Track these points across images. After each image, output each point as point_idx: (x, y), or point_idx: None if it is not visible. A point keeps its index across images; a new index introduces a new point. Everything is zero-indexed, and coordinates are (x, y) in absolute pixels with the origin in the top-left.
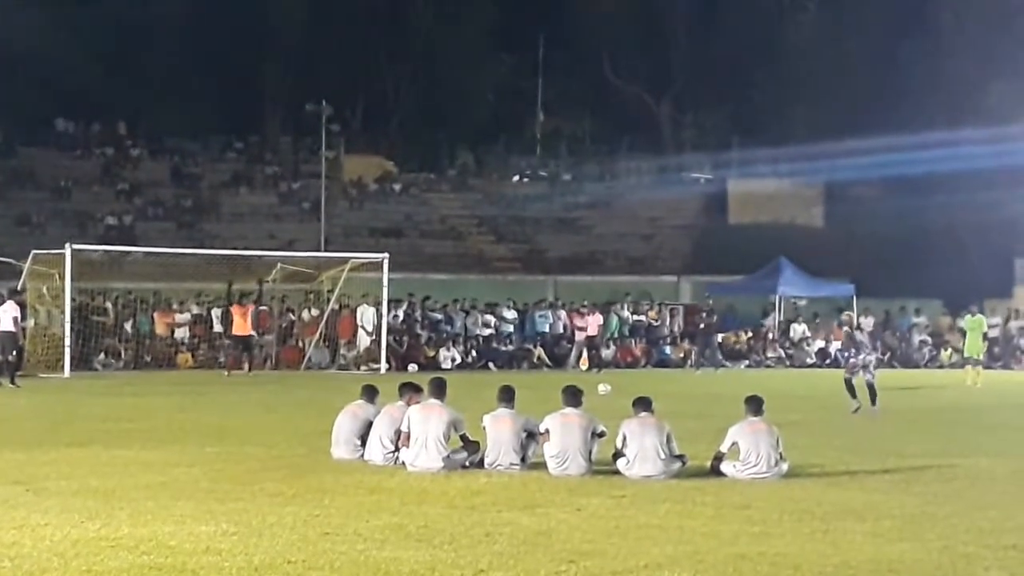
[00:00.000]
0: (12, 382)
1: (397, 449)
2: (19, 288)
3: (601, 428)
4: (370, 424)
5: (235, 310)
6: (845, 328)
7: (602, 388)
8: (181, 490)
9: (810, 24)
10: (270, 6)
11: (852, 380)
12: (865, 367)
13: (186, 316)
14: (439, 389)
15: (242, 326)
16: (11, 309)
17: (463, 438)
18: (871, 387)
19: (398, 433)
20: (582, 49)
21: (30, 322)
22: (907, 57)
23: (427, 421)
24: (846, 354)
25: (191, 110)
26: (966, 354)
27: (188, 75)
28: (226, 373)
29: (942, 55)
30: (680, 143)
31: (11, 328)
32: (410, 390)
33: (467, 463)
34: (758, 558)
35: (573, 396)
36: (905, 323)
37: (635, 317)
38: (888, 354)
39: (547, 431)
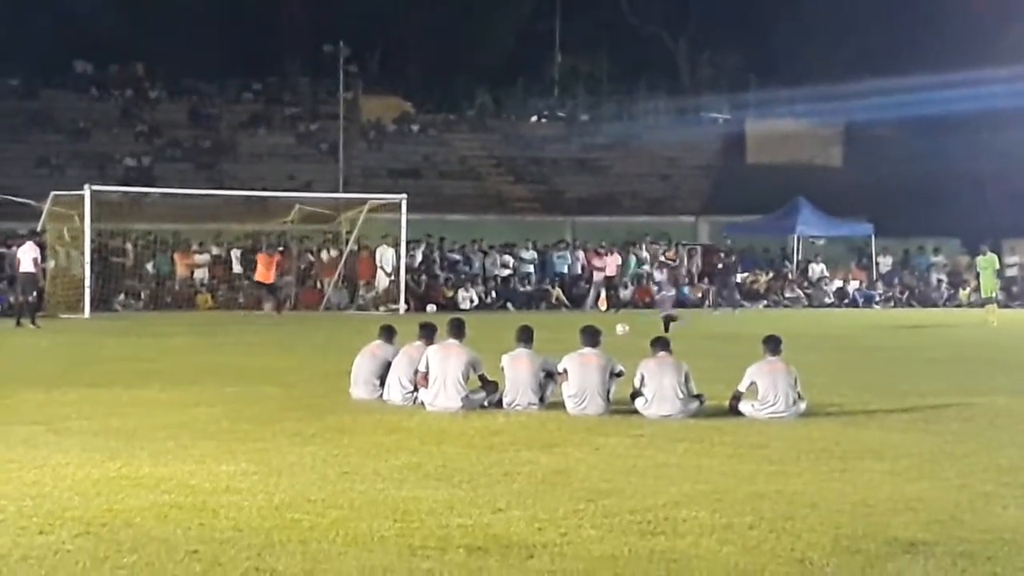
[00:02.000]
0: (33, 323)
1: (416, 389)
2: (39, 229)
3: (619, 368)
4: (389, 364)
5: (260, 259)
6: (655, 267)
7: (620, 328)
8: (201, 430)
9: None
10: None
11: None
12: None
13: (205, 257)
14: (458, 329)
15: (265, 275)
16: (31, 250)
17: (482, 378)
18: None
19: (417, 374)
20: None
21: (50, 263)
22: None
23: (446, 361)
24: (658, 291)
25: (209, 51)
26: (983, 294)
27: (206, 16)
28: (242, 313)
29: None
30: (698, 83)
31: (31, 269)
32: (429, 330)
33: (485, 403)
34: (776, 497)
35: (591, 336)
36: (923, 262)
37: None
38: (906, 293)
39: (565, 371)
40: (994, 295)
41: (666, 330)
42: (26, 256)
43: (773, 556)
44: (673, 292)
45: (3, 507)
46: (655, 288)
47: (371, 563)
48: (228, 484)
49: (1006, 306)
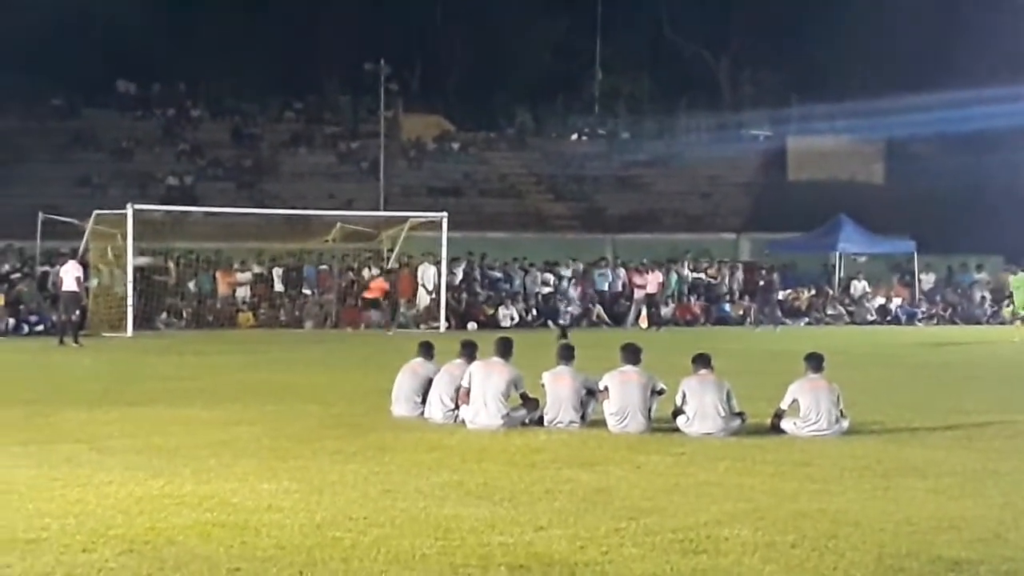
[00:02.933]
0: (76, 341)
1: (457, 407)
2: (81, 249)
3: (660, 386)
4: (430, 382)
5: (375, 284)
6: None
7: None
8: (243, 448)
9: None
10: None
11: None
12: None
13: (247, 275)
14: (504, 348)
15: (376, 292)
16: (73, 269)
17: (523, 396)
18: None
19: (458, 390)
20: (640, 7)
21: (93, 282)
22: (967, 12)
23: (488, 379)
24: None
25: (250, 71)
26: (1016, 310)
27: (247, 36)
28: (389, 332)
29: (1002, 11)
30: (739, 100)
31: (74, 288)
32: (470, 348)
33: (526, 420)
34: (818, 515)
35: (632, 354)
36: (966, 279)
37: (694, 275)
38: (949, 310)
39: (606, 388)
40: None
41: (564, 336)
42: (68, 275)
43: (816, 575)
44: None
45: (47, 525)
46: (565, 302)
47: None
48: (270, 502)
49: None
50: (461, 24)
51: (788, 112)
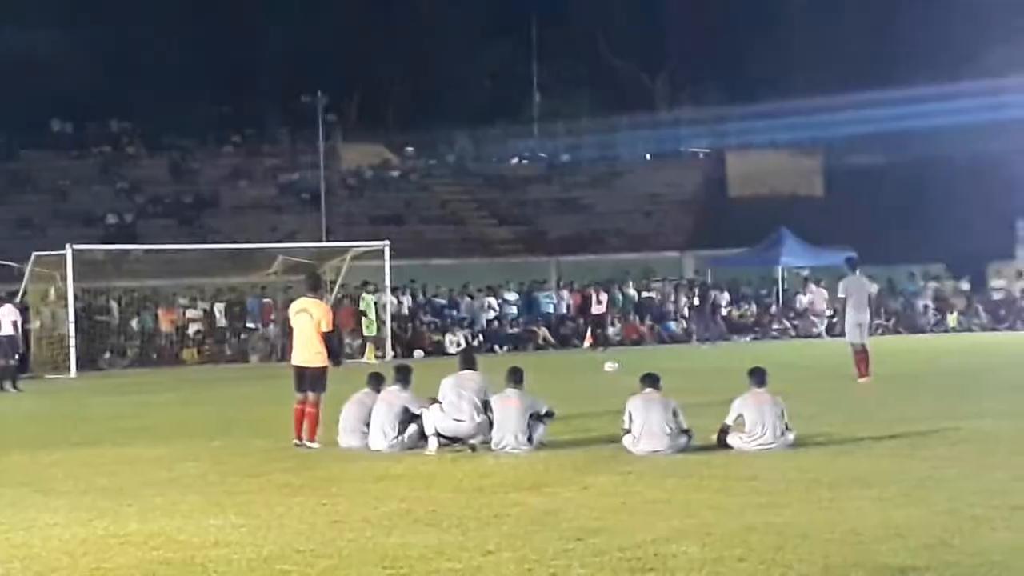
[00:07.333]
0: (15, 387)
1: (399, 435)
2: (22, 291)
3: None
4: None
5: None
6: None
7: (609, 366)
8: (189, 485)
9: None
10: None
11: None
12: None
13: (198, 312)
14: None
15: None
16: (10, 313)
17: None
18: None
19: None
20: (577, 29)
21: (35, 324)
22: (903, 21)
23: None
24: None
25: (188, 106)
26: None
27: (183, 71)
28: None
29: (939, 19)
30: (677, 119)
31: (11, 332)
32: (407, 373)
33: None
34: (765, 528)
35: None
36: (909, 288)
37: (644, 294)
38: (893, 319)
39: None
40: None
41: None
42: (6, 319)
43: None
44: None
45: None
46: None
47: None
48: (217, 538)
49: (993, 328)
50: (398, 53)
51: (726, 126)
